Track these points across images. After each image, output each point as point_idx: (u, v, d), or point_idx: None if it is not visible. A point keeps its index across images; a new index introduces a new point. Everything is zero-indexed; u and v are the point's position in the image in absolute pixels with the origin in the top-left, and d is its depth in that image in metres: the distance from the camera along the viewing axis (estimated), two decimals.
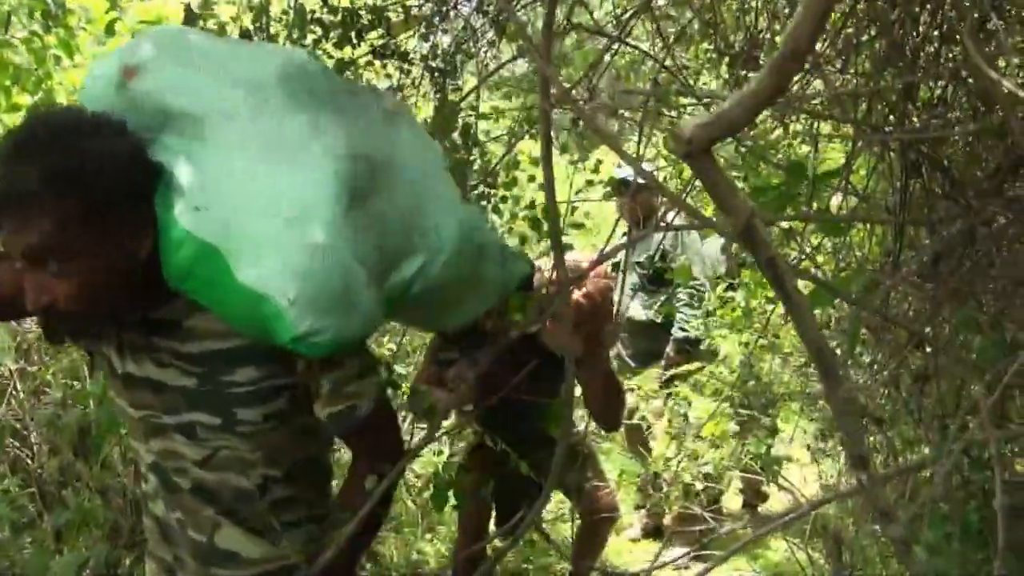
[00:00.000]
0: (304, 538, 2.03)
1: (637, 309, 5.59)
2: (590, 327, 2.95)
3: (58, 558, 3.50)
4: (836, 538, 1.09)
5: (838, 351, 3.79)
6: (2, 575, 3.61)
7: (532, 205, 3.43)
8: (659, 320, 5.39)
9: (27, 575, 3.55)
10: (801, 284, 2.86)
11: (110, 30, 4.07)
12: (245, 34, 3.01)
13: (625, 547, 5.63)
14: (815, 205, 3.06)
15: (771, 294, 3.96)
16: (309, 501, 2.05)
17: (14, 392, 4.17)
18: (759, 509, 5.93)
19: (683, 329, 5.21)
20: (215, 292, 1.69)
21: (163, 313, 1.83)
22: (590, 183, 4.88)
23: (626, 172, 5.13)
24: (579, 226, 5.09)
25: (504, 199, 3.46)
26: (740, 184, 4.56)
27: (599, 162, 4.58)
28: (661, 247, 5.32)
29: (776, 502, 5.81)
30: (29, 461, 4.15)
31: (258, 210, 1.67)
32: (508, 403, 3.27)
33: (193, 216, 1.69)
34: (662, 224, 4.89)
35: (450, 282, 1.94)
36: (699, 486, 4.09)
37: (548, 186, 1.24)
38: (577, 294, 2.98)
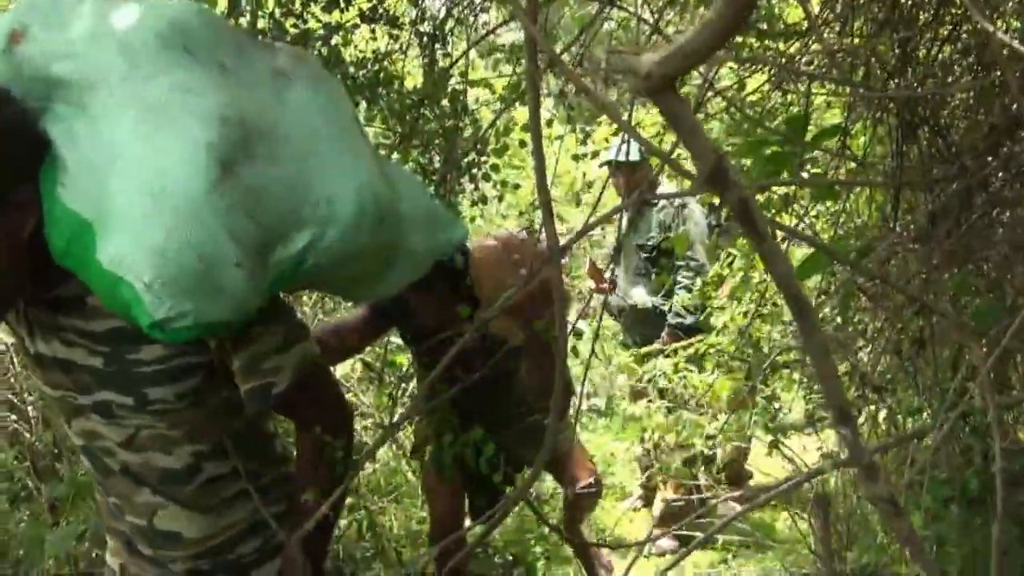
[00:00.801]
0: (251, 509, 1.95)
1: (641, 295, 5.42)
2: (528, 312, 2.74)
3: (54, 530, 3.49)
4: (820, 503, 1.06)
5: (837, 320, 3.77)
6: None
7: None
8: (664, 307, 5.29)
9: (23, 548, 3.55)
10: (799, 251, 2.80)
11: None
12: None
13: (625, 516, 5.63)
14: (810, 170, 3.03)
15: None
16: (252, 472, 1.96)
17: (11, 366, 4.16)
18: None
19: (679, 315, 5.11)
20: (85, 271, 1.57)
21: (65, 290, 1.71)
22: (592, 154, 4.80)
23: (613, 153, 4.86)
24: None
25: (495, 167, 3.41)
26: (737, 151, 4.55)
27: (586, 134, 4.42)
28: (663, 225, 5.19)
29: (760, 475, 5.70)
30: (27, 435, 4.15)
31: (125, 183, 1.53)
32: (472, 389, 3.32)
33: (69, 190, 1.58)
34: (654, 195, 4.80)
35: (355, 254, 1.80)
36: (699, 447, 4.07)
37: (537, 154, 1.20)
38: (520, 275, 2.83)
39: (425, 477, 3.90)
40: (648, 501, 5.74)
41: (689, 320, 5.02)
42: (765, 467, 5.49)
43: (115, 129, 1.56)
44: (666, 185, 5.21)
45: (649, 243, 5.27)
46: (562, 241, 1.27)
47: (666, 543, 5.24)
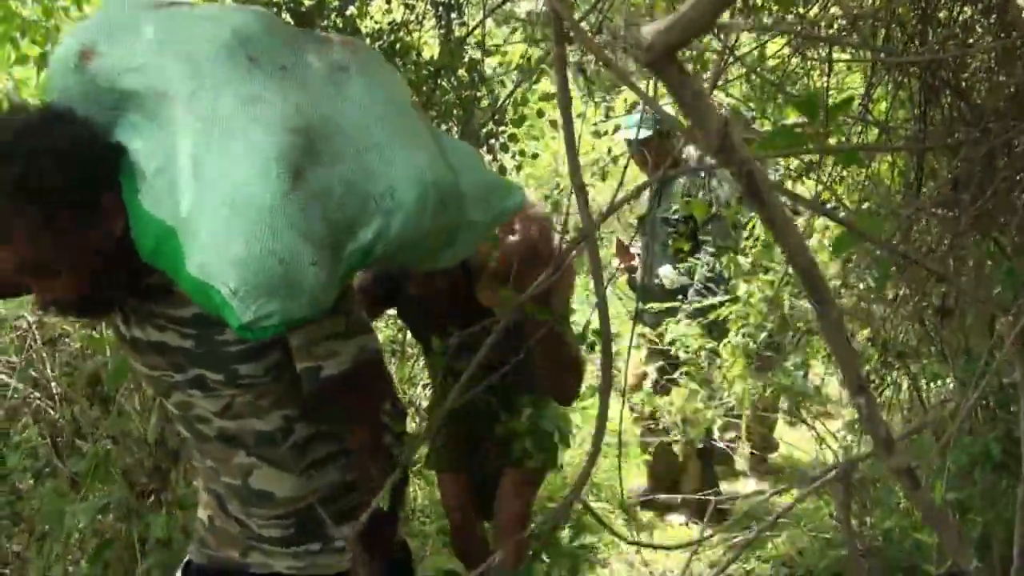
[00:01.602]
0: (340, 476, 2.11)
1: (669, 273, 5.01)
2: (525, 279, 2.53)
3: (74, 505, 3.52)
4: (845, 479, 1.06)
5: (860, 286, 3.74)
6: (21, 520, 3.65)
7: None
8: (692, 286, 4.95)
9: (46, 522, 3.59)
10: (819, 222, 2.76)
11: None
12: None
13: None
14: (833, 139, 3.00)
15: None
16: (338, 435, 2.09)
17: (32, 343, 4.19)
18: (769, 459, 5.76)
19: (700, 293, 4.76)
20: (176, 272, 1.69)
21: (156, 279, 1.84)
22: (614, 129, 4.76)
23: (634, 119, 4.71)
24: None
25: (513, 137, 3.39)
26: (757, 119, 4.49)
27: (608, 108, 4.37)
28: (687, 193, 4.89)
29: (786, 447, 5.58)
30: (51, 411, 4.18)
31: (203, 194, 1.66)
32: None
33: (149, 198, 1.71)
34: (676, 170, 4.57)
35: (421, 237, 1.88)
36: (719, 423, 4.04)
37: (567, 134, 1.19)
38: (505, 239, 2.65)
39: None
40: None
41: (711, 300, 4.64)
42: (789, 437, 5.47)
43: (189, 141, 1.68)
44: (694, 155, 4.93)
45: (674, 216, 4.97)
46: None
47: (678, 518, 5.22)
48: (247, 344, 1.88)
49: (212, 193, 1.65)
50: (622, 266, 5.20)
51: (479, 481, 3.40)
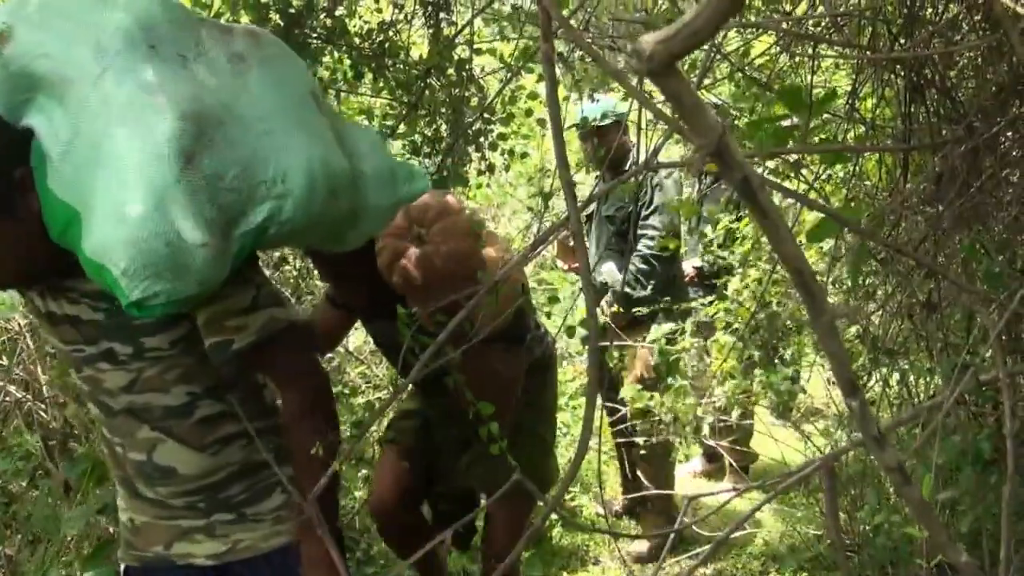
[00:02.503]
0: (244, 455, 2.20)
1: (611, 271, 4.86)
2: (440, 290, 2.46)
3: (69, 508, 3.52)
4: (828, 472, 1.07)
5: (847, 282, 3.76)
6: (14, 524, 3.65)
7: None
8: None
9: (39, 526, 3.58)
10: (811, 216, 2.78)
11: None
12: None
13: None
14: (819, 136, 3.02)
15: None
16: (244, 416, 2.17)
17: (24, 347, 4.18)
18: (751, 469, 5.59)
19: (630, 285, 4.60)
20: (78, 254, 1.78)
21: (68, 256, 1.89)
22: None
23: (591, 108, 4.54)
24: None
25: (502, 135, 3.40)
26: (742, 119, 4.50)
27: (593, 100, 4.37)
28: (642, 195, 4.66)
29: (761, 451, 5.42)
30: (43, 414, 4.18)
31: (102, 178, 1.73)
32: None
33: (56, 181, 1.80)
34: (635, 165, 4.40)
35: (315, 221, 1.96)
36: (709, 420, 4.04)
37: (555, 132, 1.19)
38: (414, 249, 2.54)
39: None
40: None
41: (640, 293, 4.56)
42: (768, 447, 5.41)
43: (91, 126, 1.75)
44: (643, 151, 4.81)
45: (618, 215, 4.78)
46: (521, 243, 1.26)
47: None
48: (150, 318, 1.95)
49: (107, 176, 1.72)
50: (565, 267, 5.12)
51: (426, 466, 3.25)
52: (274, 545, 2.23)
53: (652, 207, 4.64)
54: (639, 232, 4.65)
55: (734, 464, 5.34)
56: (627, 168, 4.48)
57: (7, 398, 4.14)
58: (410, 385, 3.32)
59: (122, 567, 2.33)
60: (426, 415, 3.26)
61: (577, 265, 4.85)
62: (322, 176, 1.94)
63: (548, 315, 5.54)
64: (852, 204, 3.45)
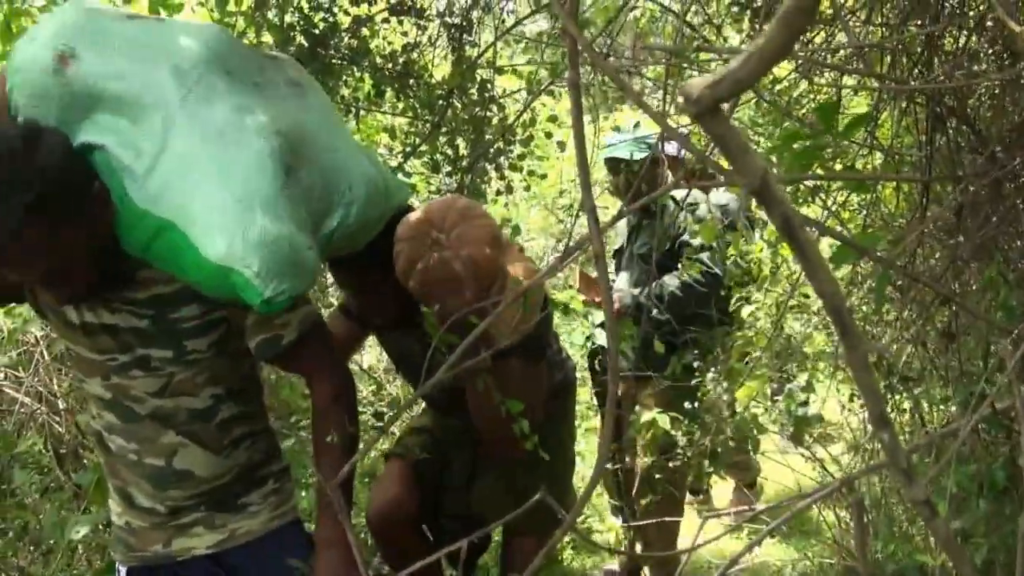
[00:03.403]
0: (247, 456, 2.34)
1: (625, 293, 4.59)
2: (444, 303, 2.43)
3: (79, 517, 3.53)
4: (858, 506, 1.07)
5: (863, 308, 3.76)
6: (26, 534, 3.66)
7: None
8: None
9: (50, 535, 3.59)
10: (827, 241, 2.76)
11: None
12: None
13: None
14: (841, 161, 3.03)
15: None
16: (251, 416, 2.35)
17: (40, 359, 4.20)
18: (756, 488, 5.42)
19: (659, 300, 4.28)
20: (178, 262, 1.93)
21: (115, 267, 2.07)
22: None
23: (618, 150, 4.39)
24: None
25: (522, 156, 3.41)
26: (762, 141, 4.49)
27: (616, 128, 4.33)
28: (674, 231, 4.40)
29: (771, 476, 5.22)
30: (56, 426, 4.20)
31: (208, 191, 1.89)
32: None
33: (145, 193, 1.92)
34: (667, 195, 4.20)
35: (364, 224, 2.24)
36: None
37: (580, 158, 1.20)
38: (431, 253, 2.47)
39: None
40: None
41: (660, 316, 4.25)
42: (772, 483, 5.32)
43: (182, 143, 1.91)
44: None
45: (650, 254, 4.31)
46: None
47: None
48: (199, 321, 2.14)
49: (219, 191, 1.88)
50: (587, 300, 4.81)
51: (433, 485, 3.14)
52: (271, 528, 2.36)
53: (701, 244, 4.34)
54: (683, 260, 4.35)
55: (742, 488, 5.29)
56: (659, 201, 4.21)
57: (22, 409, 4.16)
58: (423, 404, 3.28)
59: (123, 571, 2.40)
60: (436, 434, 3.18)
61: (598, 299, 4.66)
62: (373, 185, 2.23)
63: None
64: (869, 231, 3.46)
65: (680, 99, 0.67)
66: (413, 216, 2.55)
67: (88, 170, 1.95)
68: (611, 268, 4.92)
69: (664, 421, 3.82)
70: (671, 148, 4.38)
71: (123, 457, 2.26)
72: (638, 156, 4.37)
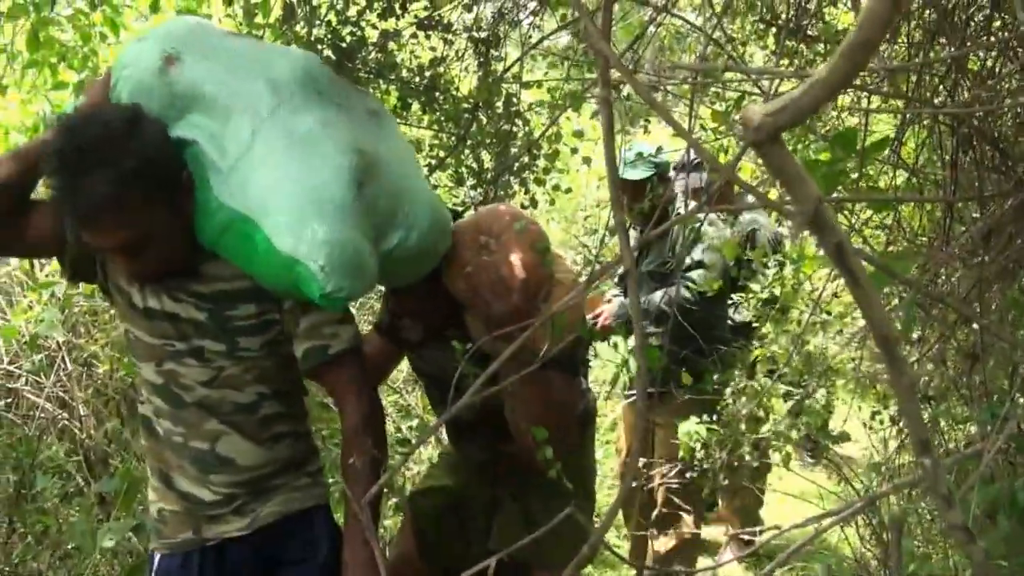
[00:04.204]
0: (289, 452, 2.46)
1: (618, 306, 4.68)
2: (491, 311, 2.41)
3: (104, 525, 3.54)
4: (895, 526, 1.08)
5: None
6: (46, 539, 3.68)
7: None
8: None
9: (74, 542, 3.61)
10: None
11: (155, 7, 4.08)
12: (288, 6, 3.00)
13: None
14: (864, 182, 3.03)
15: (819, 270, 3.91)
16: (293, 416, 2.48)
17: (62, 364, 4.23)
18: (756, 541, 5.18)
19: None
20: (246, 252, 2.10)
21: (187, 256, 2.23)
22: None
23: (632, 171, 4.43)
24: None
25: (547, 170, 3.42)
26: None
27: (646, 125, 4.30)
28: (684, 252, 4.42)
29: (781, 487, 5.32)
30: (77, 431, 4.22)
31: (286, 191, 2.06)
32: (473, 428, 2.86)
33: (223, 188, 2.10)
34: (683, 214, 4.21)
35: (419, 252, 2.34)
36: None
37: (611, 175, 1.21)
38: (482, 257, 2.45)
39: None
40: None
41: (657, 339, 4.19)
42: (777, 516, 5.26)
43: (270, 150, 2.10)
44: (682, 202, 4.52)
45: (659, 271, 4.56)
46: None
47: None
48: (254, 320, 2.29)
49: (296, 192, 2.05)
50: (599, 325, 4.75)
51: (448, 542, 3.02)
52: (294, 509, 2.46)
53: (696, 261, 4.45)
54: (676, 282, 4.40)
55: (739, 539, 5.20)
56: (669, 220, 4.19)
57: (43, 415, 4.18)
58: (445, 439, 3.17)
59: (156, 556, 2.49)
60: (453, 486, 3.08)
61: (600, 314, 4.71)
62: (437, 217, 2.39)
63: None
64: (891, 249, 3.46)
65: (739, 125, 0.68)
66: (462, 222, 2.58)
67: (180, 158, 2.13)
68: (619, 289, 4.93)
69: (691, 432, 3.81)
70: (695, 179, 4.41)
71: (169, 440, 2.39)
72: (645, 176, 4.40)
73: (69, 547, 3.75)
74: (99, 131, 2.02)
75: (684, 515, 4.66)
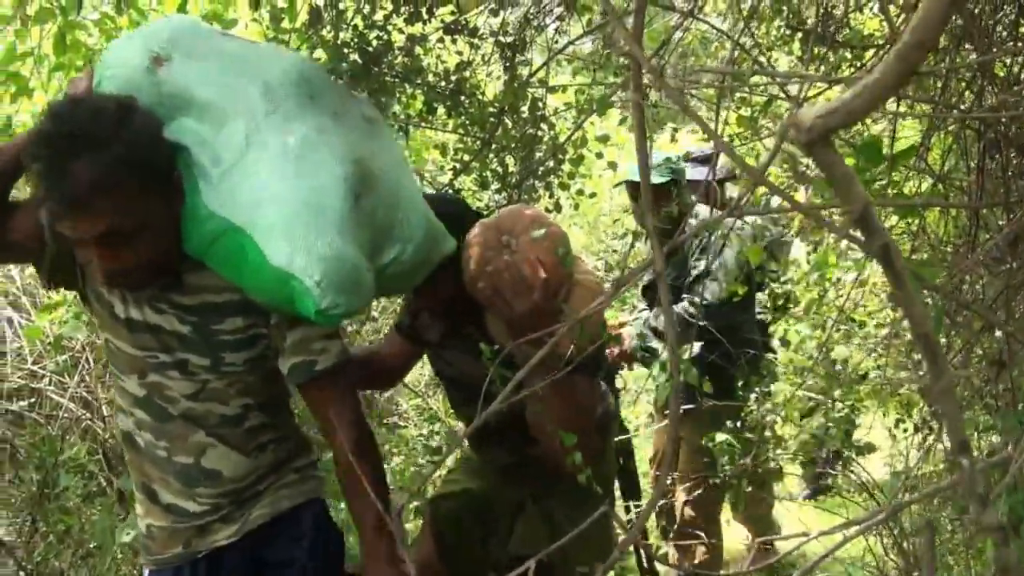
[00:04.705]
0: (273, 457, 2.43)
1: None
2: (513, 311, 2.42)
3: (123, 521, 3.56)
4: (929, 528, 1.07)
5: (909, 336, 3.73)
6: (68, 537, 3.70)
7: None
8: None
9: (96, 539, 3.63)
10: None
11: (181, 11, 4.10)
12: (315, 10, 3.02)
13: None
14: (889, 189, 3.02)
15: (841, 274, 3.90)
16: (277, 426, 2.44)
17: (86, 364, 4.25)
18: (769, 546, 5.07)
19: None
20: (237, 264, 2.00)
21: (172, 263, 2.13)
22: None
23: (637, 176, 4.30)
24: None
25: (571, 174, 3.43)
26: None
27: (674, 132, 4.28)
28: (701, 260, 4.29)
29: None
30: (99, 431, 4.24)
31: (281, 201, 1.96)
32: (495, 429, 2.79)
33: (217, 196, 2.01)
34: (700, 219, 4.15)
35: (413, 265, 2.27)
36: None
37: (644, 179, 1.22)
38: (503, 256, 2.44)
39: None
40: None
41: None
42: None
43: (263, 155, 2.01)
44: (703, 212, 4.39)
45: (675, 284, 4.38)
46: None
47: None
48: (240, 335, 2.21)
49: (292, 202, 1.96)
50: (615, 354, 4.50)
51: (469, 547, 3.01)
52: (281, 508, 2.43)
53: (705, 271, 4.31)
54: (684, 296, 4.30)
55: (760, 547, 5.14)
56: (684, 229, 3.96)
57: (66, 415, 4.20)
58: (466, 443, 3.18)
59: (146, 572, 2.47)
60: (474, 489, 3.07)
61: (623, 350, 4.49)
62: (431, 227, 2.31)
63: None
64: (914, 257, 3.45)
65: (790, 128, 0.68)
66: (484, 221, 2.56)
67: (172, 155, 2.04)
68: (643, 304, 4.87)
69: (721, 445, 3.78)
70: (695, 174, 4.38)
71: (151, 454, 2.33)
72: (662, 181, 4.28)
73: (91, 546, 3.77)
74: (90, 116, 1.92)
75: (701, 529, 4.61)
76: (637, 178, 4.19)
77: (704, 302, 4.14)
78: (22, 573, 3.69)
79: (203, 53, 2.13)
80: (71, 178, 1.87)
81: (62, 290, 3.13)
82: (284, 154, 2.01)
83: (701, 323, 3.97)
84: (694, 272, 4.30)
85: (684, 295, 4.30)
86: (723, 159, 4.16)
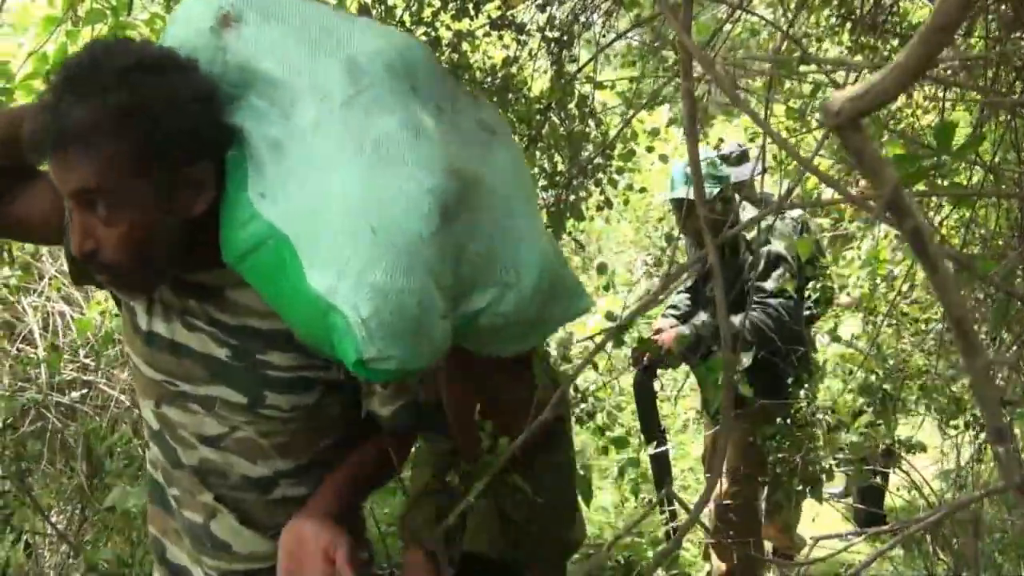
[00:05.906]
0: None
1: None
2: None
3: None
4: (977, 523, 1.06)
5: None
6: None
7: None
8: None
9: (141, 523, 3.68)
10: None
11: None
12: (363, 7, 3.04)
13: None
14: (942, 179, 2.99)
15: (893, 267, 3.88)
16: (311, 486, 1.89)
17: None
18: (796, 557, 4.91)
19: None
20: (275, 284, 1.53)
21: (206, 278, 1.70)
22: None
23: (680, 191, 3.99)
24: None
25: (620, 170, 3.44)
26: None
27: (720, 140, 4.21)
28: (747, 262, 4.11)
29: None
30: None
31: (341, 211, 1.47)
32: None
33: (266, 199, 1.53)
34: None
35: (521, 321, 1.67)
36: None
37: (695, 173, 1.22)
38: None
39: None
40: None
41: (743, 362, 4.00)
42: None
43: (332, 152, 1.52)
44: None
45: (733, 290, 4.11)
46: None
47: None
48: (290, 374, 1.74)
49: (354, 213, 1.46)
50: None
51: None
52: None
53: (763, 271, 4.14)
54: (754, 298, 4.06)
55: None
56: (733, 224, 3.62)
57: (116, 407, 4.27)
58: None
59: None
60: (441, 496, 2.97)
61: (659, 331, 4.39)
62: (548, 278, 1.69)
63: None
64: (965, 250, 3.41)
65: (821, 112, 0.69)
66: None
67: (212, 139, 1.56)
68: (685, 297, 4.77)
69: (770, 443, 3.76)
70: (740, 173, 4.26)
71: (164, 499, 1.92)
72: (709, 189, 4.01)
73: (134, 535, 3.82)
74: (123, 61, 1.51)
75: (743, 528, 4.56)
76: (679, 195, 4.02)
77: (775, 313, 4.07)
78: (72, 560, 3.75)
79: (282, 16, 1.62)
80: (58, 113, 1.49)
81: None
82: (357, 151, 1.50)
83: (771, 334, 3.94)
84: (753, 273, 4.19)
85: (755, 304, 4.19)
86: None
